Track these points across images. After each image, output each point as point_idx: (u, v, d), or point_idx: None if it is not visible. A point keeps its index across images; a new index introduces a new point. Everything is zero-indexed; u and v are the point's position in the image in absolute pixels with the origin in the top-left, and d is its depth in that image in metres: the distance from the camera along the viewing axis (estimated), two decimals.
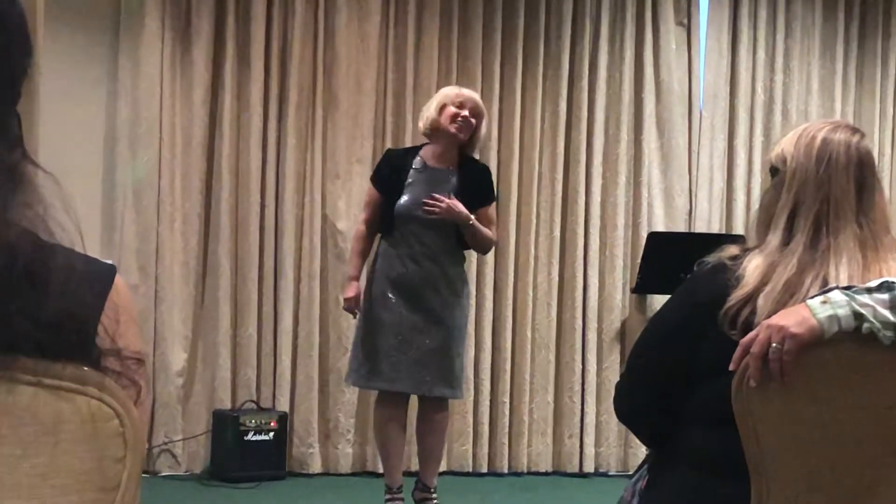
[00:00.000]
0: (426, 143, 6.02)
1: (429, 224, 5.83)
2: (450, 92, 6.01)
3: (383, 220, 5.92)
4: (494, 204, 6.11)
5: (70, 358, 1.24)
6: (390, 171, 5.95)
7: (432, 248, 5.87)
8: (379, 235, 6.01)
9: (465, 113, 5.89)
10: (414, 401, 6.15)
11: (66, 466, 1.22)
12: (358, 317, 6.04)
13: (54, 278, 1.25)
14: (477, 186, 5.98)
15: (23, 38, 1.39)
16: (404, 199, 5.85)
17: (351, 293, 5.96)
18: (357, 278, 5.97)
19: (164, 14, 7.16)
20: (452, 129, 5.87)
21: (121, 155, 7.10)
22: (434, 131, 5.94)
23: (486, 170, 6.15)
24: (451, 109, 5.89)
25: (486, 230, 5.93)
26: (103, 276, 1.39)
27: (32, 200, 1.27)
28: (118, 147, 7.11)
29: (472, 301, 7.20)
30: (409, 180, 5.90)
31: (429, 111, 5.97)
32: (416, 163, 5.95)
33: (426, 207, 5.77)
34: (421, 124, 6.03)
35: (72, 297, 1.26)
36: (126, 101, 7.11)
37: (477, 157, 6.27)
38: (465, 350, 6.12)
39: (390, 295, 5.84)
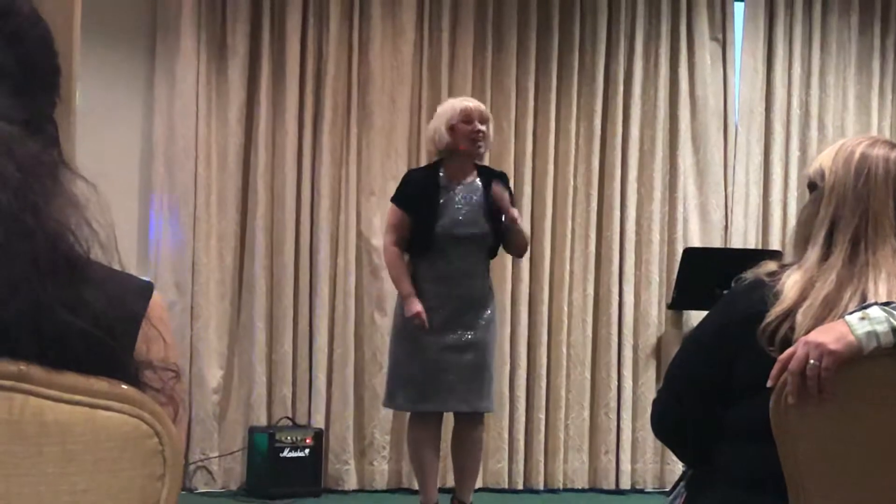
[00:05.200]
0: (440, 160, 6.01)
1: (466, 242, 5.85)
2: (453, 109, 5.94)
3: (416, 240, 5.91)
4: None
5: (108, 372, 1.24)
6: (418, 191, 5.92)
7: (468, 265, 5.88)
8: (407, 256, 6.01)
9: (481, 128, 5.88)
10: (447, 418, 6.14)
11: (105, 485, 1.22)
12: (392, 339, 6.04)
13: (94, 279, 1.25)
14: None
15: (47, 55, 1.40)
16: (441, 220, 5.85)
17: (418, 307, 5.80)
18: (414, 294, 5.86)
19: (199, 32, 7.20)
20: (473, 147, 5.88)
21: (157, 172, 7.14)
22: (450, 152, 5.93)
23: (504, 176, 6.18)
24: (464, 127, 5.87)
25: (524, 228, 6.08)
26: (141, 291, 1.40)
27: (69, 203, 1.27)
28: (154, 164, 7.15)
29: (507, 316, 7.23)
30: (442, 200, 5.89)
31: (439, 134, 5.92)
32: (443, 181, 5.94)
33: (510, 219, 5.83)
34: (432, 146, 6.04)
35: (112, 299, 1.26)
36: (162, 118, 7.16)
37: (487, 158, 6.26)
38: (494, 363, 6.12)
39: (428, 317, 5.83)
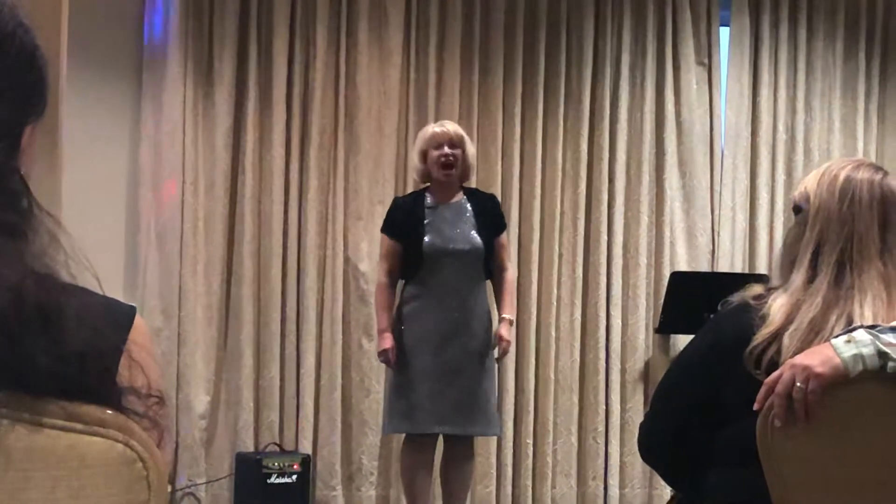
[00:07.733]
0: (428, 185, 6.02)
1: (457, 259, 5.82)
2: (425, 135, 5.98)
3: (408, 264, 5.90)
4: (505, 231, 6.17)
5: (92, 398, 1.23)
6: (404, 216, 5.92)
7: (459, 283, 5.85)
8: (402, 282, 5.99)
9: (446, 151, 5.87)
10: (440, 443, 6.12)
11: None
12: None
13: (69, 316, 1.23)
14: (490, 216, 5.98)
15: (27, 89, 1.35)
16: (429, 237, 5.83)
17: (387, 344, 5.83)
18: (389, 330, 5.88)
19: (186, 57, 7.20)
20: (442, 174, 5.87)
21: (144, 198, 7.13)
22: (427, 179, 5.96)
23: (494, 198, 6.20)
24: (434, 154, 5.88)
25: (510, 298, 6.11)
26: (123, 315, 1.39)
27: (40, 251, 1.25)
28: (141, 190, 7.14)
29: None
30: (427, 220, 5.89)
31: (415, 162, 6.00)
32: (428, 202, 5.94)
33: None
34: (414, 173, 6.08)
35: (90, 334, 1.25)
36: (149, 144, 7.15)
37: (474, 182, 6.25)
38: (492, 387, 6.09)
39: (424, 339, 5.81)
